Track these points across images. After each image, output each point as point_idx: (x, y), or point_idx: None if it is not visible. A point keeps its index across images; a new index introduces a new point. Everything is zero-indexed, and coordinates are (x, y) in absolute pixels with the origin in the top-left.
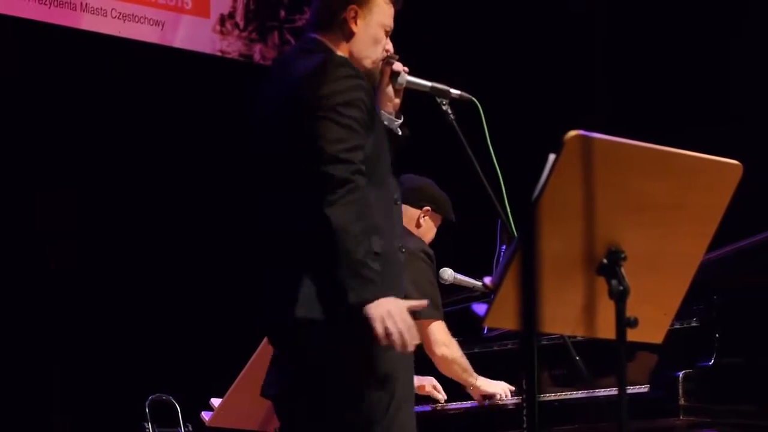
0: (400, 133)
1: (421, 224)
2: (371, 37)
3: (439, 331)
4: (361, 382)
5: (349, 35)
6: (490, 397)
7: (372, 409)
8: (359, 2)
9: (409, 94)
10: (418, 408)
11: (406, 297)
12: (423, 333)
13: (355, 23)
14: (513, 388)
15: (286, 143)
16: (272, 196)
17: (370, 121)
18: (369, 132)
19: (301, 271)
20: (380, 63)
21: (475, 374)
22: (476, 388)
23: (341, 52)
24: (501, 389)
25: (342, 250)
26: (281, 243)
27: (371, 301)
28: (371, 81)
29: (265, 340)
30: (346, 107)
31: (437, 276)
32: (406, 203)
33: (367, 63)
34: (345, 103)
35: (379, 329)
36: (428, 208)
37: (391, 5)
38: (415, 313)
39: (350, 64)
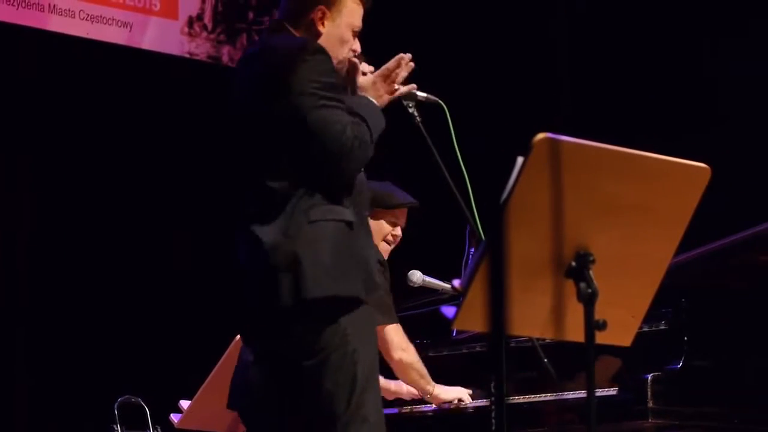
0: None
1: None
2: (338, 37)
3: (396, 334)
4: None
5: (315, 35)
6: (449, 403)
7: (338, 400)
8: (327, 3)
9: None
10: (386, 410)
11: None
12: (380, 337)
13: (323, 24)
14: (470, 392)
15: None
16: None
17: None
18: None
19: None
20: (346, 63)
21: (432, 382)
22: (434, 396)
23: None
24: (458, 395)
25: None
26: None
27: None
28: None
29: (234, 342)
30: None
31: (401, 279)
32: None
33: (334, 63)
34: (328, 85)
35: None
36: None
37: (361, 5)
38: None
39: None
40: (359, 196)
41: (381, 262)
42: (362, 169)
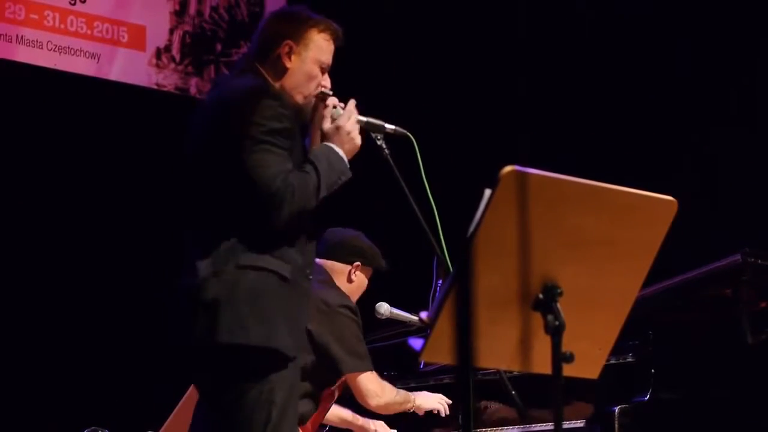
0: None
1: (353, 279)
2: (305, 73)
3: (370, 382)
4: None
5: (282, 70)
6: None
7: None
8: (295, 38)
9: None
10: None
11: (327, 351)
12: (353, 386)
13: (289, 59)
14: (449, 401)
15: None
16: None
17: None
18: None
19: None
20: (313, 99)
21: (411, 397)
22: (417, 407)
23: (275, 84)
24: (438, 403)
25: None
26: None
27: None
28: (303, 116)
29: None
30: (275, 135)
31: (369, 312)
32: (335, 259)
33: (299, 98)
34: (273, 131)
35: None
36: (358, 263)
37: (331, 42)
38: (339, 370)
39: (281, 98)
40: (305, 255)
41: (350, 307)
42: (311, 226)
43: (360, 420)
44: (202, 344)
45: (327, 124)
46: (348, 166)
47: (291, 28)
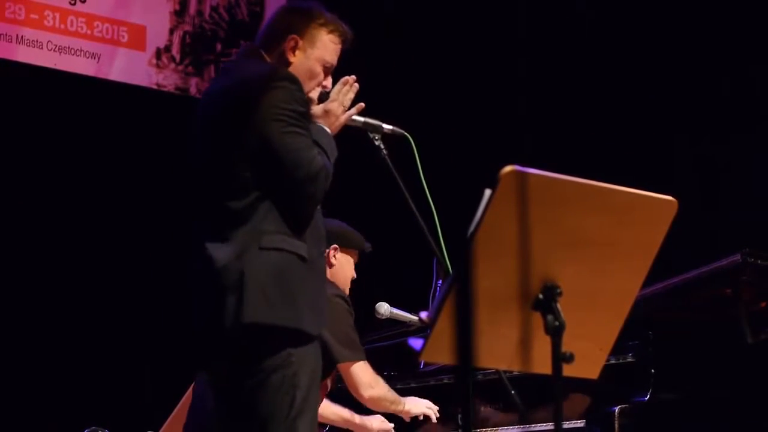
0: None
1: (333, 263)
2: (307, 70)
3: (363, 372)
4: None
5: (285, 64)
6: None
7: (274, 422)
8: (302, 34)
9: (342, 130)
10: None
11: (321, 341)
12: (346, 376)
13: (293, 54)
14: (436, 408)
15: (230, 145)
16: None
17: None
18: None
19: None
20: (312, 98)
21: (401, 401)
22: (406, 412)
23: None
24: (426, 408)
25: None
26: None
27: None
28: None
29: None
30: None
31: (369, 311)
32: None
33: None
34: (299, 113)
35: None
36: (335, 246)
37: (339, 44)
38: (333, 360)
39: (298, 81)
40: (316, 232)
41: (343, 297)
42: (319, 207)
43: (358, 418)
44: (230, 324)
45: (314, 107)
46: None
47: (300, 23)
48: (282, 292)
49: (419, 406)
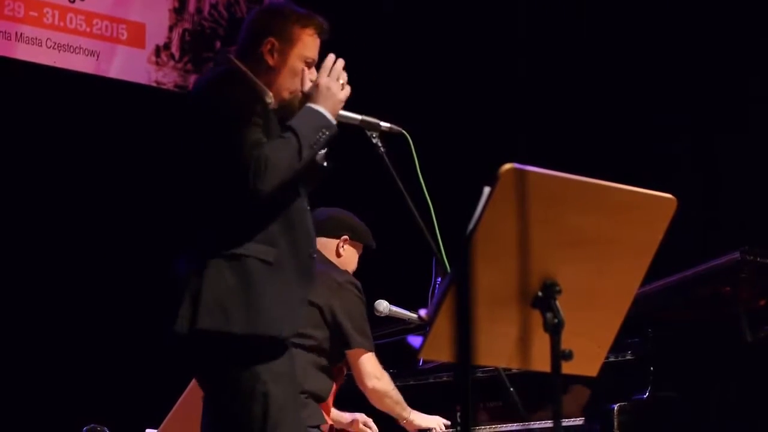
0: (324, 164)
1: (342, 253)
2: (289, 69)
3: (370, 363)
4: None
5: (265, 67)
6: (425, 431)
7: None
8: (278, 35)
9: (340, 128)
10: None
11: (338, 326)
12: (354, 364)
13: (272, 56)
14: (448, 422)
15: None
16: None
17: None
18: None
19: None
20: (300, 94)
21: (408, 408)
22: (409, 422)
23: (260, 81)
24: (436, 424)
25: None
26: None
27: None
28: (290, 111)
29: None
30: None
31: (369, 307)
32: (322, 235)
33: (285, 94)
34: (242, 111)
35: None
36: (346, 236)
37: (316, 37)
38: (347, 344)
39: (245, 80)
40: (292, 232)
41: (356, 284)
42: (307, 207)
43: (346, 416)
44: (186, 332)
45: (306, 85)
46: (331, 120)
47: (274, 24)
48: (238, 298)
49: (427, 420)
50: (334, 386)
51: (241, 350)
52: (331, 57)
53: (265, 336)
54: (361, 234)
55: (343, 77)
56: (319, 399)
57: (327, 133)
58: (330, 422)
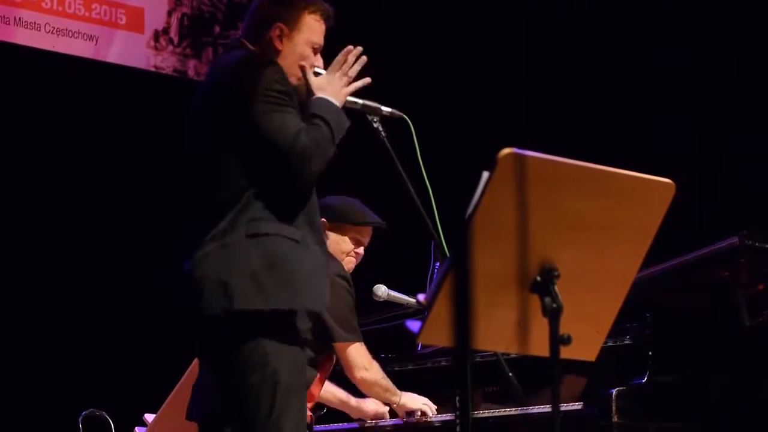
0: None
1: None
2: (297, 54)
3: (358, 354)
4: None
5: (274, 53)
6: (412, 413)
7: (258, 418)
8: (286, 20)
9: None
10: (347, 425)
11: (320, 319)
12: (342, 356)
13: (281, 42)
14: (434, 406)
15: (218, 135)
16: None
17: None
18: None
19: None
20: (305, 80)
21: (398, 392)
22: (401, 406)
23: None
24: (422, 404)
25: None
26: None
27: None
28: (297, 96)
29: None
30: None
31: (367, 292)
32: None
33: (293, 80)
34: (280, 93)
35: None
36: (323, 219)
37: (322, 22)
38: (332, 338)
39: (274, 62)
40: (310, 211)
41: (345, 278)
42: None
43: (354, 400)
44: (218, 313)
45: (316, 79)
46: (343, 114)
47: (282, 10)
48: (274, 276)
49: (416, 402)
50: (319, 375)
51: (255, 331)
52: (349, 50)
53: (304, 311)
54: (343, 214)
55: (353, 71)
56: None
57: (346, 127)
58: (310, 414)
